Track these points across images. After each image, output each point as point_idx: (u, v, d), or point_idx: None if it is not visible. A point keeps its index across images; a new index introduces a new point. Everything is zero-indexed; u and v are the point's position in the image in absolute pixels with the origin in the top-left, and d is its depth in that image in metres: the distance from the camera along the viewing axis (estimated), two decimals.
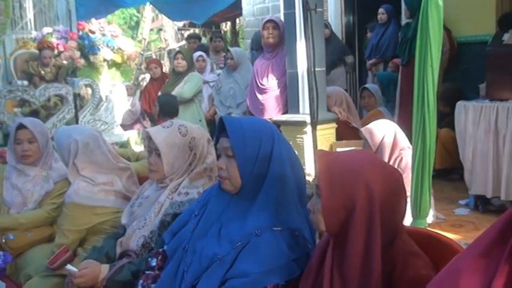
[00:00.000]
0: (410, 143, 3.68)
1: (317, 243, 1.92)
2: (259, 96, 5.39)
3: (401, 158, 3.89)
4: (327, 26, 7.47)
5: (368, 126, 4.06)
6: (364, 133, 4.01)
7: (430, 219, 4.00)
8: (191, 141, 2.58)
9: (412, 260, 1.67)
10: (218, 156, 2.11)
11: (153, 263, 2.27)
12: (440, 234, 2.09)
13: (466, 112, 4.53)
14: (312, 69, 4.11)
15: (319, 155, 1.76)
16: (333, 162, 1.70)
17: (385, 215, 1.65)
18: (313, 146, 4.17)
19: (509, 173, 4.27)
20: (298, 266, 1.89)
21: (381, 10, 7.51)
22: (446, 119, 5.32)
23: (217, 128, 2.09)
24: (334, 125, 5.06)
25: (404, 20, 6.99)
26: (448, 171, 5.47)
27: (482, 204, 4.57)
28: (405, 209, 1.76)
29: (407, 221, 3.68)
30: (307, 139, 4.64)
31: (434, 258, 1.73)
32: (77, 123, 5.85)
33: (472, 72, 5.45)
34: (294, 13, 4.87)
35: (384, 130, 3.95)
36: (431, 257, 1.73)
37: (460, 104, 4.59)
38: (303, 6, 4.12)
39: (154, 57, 14.60)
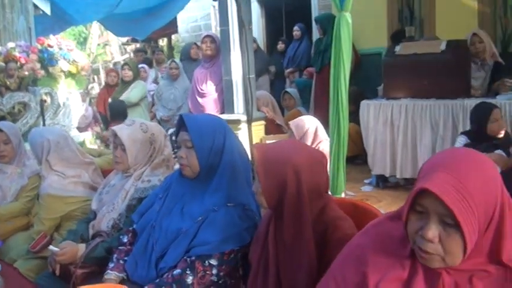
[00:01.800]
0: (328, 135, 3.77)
1: (262, 216, 1.96)
2: (199, 99, 5.38)
3: (319, 148, 4.02)
4: (254, 40, 7.57)
5: (295, 120, 4.16)
6: (292, 126, 4.13)
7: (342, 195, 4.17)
8: (151, 136, 2.56)
9: (339, 223, 1.73)
10: (178, 148, 2.11)
11: (125, 239, 2.25)
12: (362, 202, 2.19)
13: (369, 109, 4.66)
14: (248, 76, 4.18)
15: (255, 146, 1.80)
16: (266, 152, 1.75)
17: (311, 189, 1.71)
18: (249, 139, 4.25)
19: (402, 156, 4.45)
20: (248, 234, 1.94)
21: (295, 28, 7.61)
22: (352, 116, 5.33)
23: (177, 124, 2.11)
24: (263, 122, 5.12)
25: (315, 36, 7.13)
26: (354, 158, 5.56)
27: (382, 181, 4.74)
28: (328, 183, 1.83)
29: None
30: (242, 134, 4.71)
31: (357, 221, 1.78)
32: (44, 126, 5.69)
33: (371, 77, 5.64)
34: (228, 29, 4.89)
35: (308, 123, 4.09)
36: (355, 220, 1.79)
37: (363, 103, 4.73)
38: (238, 24, 4.19)
39: (100, 68, 14.23)
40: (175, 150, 2.25)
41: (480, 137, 3.68)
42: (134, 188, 2.53)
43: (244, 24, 4.10)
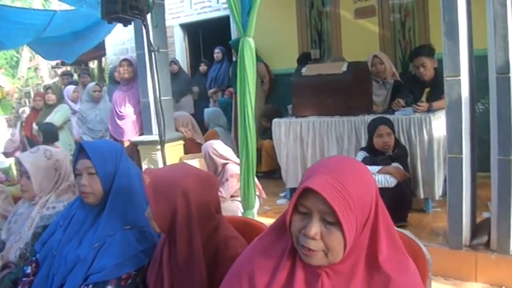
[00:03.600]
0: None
1: (159, 240, 1.92)
2: (118, 121, 5.28)
3: (226, 169, 4.05)
4: (176, 62, 7.55)
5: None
6: (202, 148, 4.18)
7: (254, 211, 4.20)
8: (56, 163, 2.50)
9: (231, 242, 1.74)
10: (76, 175, 2.04)
11: (28, 270, 2.14)
12: (253, 219, 2.20)
13: (280, 126, 4.69)
14: (159, 98, 4.13)
15: (145, 172, 1.76)
16: (155, 177, 1.72)
17: (202, 210, 1.70)
18: (163, 160, 4.21)
19: None
20: (146, 256, 1.90)
21: (216, 50, 7.67)
22: (268, 132, 5.38)
23: (76, 151, 2.05)
24: (182, 142, 5.07)
25: (235, 57, 7.21)
26: (271, 172, 5.65)
27: None
28: (218, 203, 1.82)
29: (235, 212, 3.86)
30: (160, 155, 4.66)
31: (250, 238, 1.74)
32: None
33: (285, 96, 5.73)
34: (144, 53, 4.81)
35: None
36: (248, 237, 1.78)
37: (275, 121, 4.76)
38: (147, 47, 4.15)
39: (32, 92, 13.75)
40: None
41: (373, 150, 3.81)
42: (39, 215, 2.46)
43: (153, 47, 4.05)
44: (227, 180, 3.94)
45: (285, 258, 1.26)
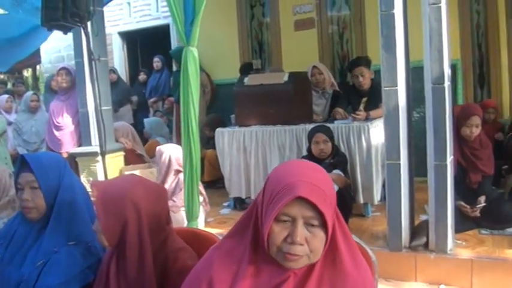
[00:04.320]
0: None
1: (105, 254, 1.86)
2: (56, 133, 5.08)
3: (179, 178, 4.01)
4: (115, 71, 7.40)
5: (159, 147, 4.21)
6: (156, 153, 4.10)
7: (203, 222, 4.13)
8: None
9: (180, 254, 1.70)
10: (18, 190, 1.94)
11: None
12: (202, 230, 2.15)
13: (223, 136, 4.68)
14: (100, 108, 4.04)
15: (92, 184, 1.72)
16: (104, 189, 1.68)
17: (152, 222, 1.67)
18: (104, 172, 4.11)
19: (255, 178, 4.54)
20: (92, 272, 1.84)
21: (156, 59, 7.59)
22: (211, 142, 5.42)
23: (17, 165, 1.95)
24: (122, 153, 4.95)
25: (175, 67, 7.16)
26: (214, 182, 5.61)
27: (239, 203, 4.78)
28: (168, 214, 1.78)
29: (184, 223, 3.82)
30: (99, 166, 4.52)
31: (198, 249, 1.75)
32: None
33: (227, 106, 5.75)
34: (83, 61, 4.68)
35: (162, 153, 4.08)
36: (196, 249, 1.76)
37: (218, 131, 4.75)
38: (88, 56, 4.05)
39: None
40: None
41: (314, 158, 3.90)
42: None
43: (93, 56, 3.96)
44: (181, 189, 3.89)
45: (245, 265, 1.26)
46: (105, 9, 4.96)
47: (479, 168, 3.78)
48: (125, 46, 8.65)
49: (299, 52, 6.06)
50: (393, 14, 3.17)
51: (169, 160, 4.02)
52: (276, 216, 1.18)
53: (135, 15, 8.23)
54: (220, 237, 1.85)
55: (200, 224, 3.93)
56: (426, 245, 3.27)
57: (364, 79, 4.61)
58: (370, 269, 1.46)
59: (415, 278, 3.23)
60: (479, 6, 5.43)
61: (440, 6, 3.06)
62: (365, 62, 4.65)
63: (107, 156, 4.28)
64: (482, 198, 3.67)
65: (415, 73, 3.46)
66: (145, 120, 6.72)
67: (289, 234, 1.18)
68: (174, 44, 7.47)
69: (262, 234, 1.22)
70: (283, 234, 1.19)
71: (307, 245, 1.19)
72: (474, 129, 3.68)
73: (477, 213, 3.60)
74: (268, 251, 1.22)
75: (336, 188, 3.72)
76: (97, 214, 1.65)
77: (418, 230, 3.40)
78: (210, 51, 6.39)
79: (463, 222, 3.58)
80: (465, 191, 3.68)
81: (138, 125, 6.63)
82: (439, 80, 3.09)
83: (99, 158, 4.32)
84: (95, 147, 4.65)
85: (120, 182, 1.75)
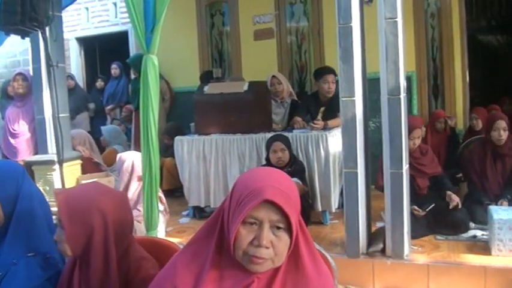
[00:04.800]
0: None
1: (65, 265, 1.82)
2: (12, 140, 4.94)
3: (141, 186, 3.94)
4: (72, 77, 7.26)
5: (121, 154, 4.14)
6: (118, 161, 4.04)
7: (163, 232, 4.10)
8: None
9: (142, 263, 1.69)
10: None
11: None
12: (163, 239, 2.17)
13: (183, 144, 4.67)
14: (57, 115, 3.95)
15: (56, 192, 1.68)
16: (69, 198, 1.65)
17: (117, 231, 1.65)
18: (61, 181, 4.02)
19: (215, 187, 4.55)
20: (50, 284, 1.78)
21: (113, 66, 7.50)
22: (170, 150, 5.35)
23: None
24: (79, 161, 4.84)
25: (133, 74, 7.06)
26: (173, 191, 5.56)
27: (198, 212, 4.76)
28: (132, 223, 1.77)
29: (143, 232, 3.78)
30: (56, 175, 4.41)
31: (159, 258, 1.76)
32: None
33: (187, 114, 5.73)
34: (40, 67, 4.56)
35: (124, 160, 4.03)
36: (158, 258, 1.76)
37: (177, 139, 4.73)
38: (46, 62, 3.96)
39: None
40: None
41: (272, 167, 3.94)
42: None
43: (52, 61, 3.87)
44: None
45: (209, 269, 1.27)
46: (63, 14, 4.87)
47: (426, 173, 3.95)
48: (83, 52, 8.51)
49: (258, 61, 6.13)
50: (351, 26, 3.27)
51: (132, 166, 3.97)
52: (243, 219, 1.21)
53: (93, 21, 8.12)
54: (181, 246, 1.85)
55: (160, 233, 3.89)
56: (383, 251, 3.36)
57: (332, 86, 4.71)
58: (331, 274, 1.50)
59: (373, 283, 3.31)
60: (434, 21, 5.69)
61: (396, 21, 3.18)
62: (332, 70, 4.76)
63: (64, 165, 4.18)
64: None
65: (371, 84, 3.57)
66: (102, 128, 6.61)
67: (256, 237, 1.21)
68: (133, 50, 7.40)
69: (228, 238, 1.24)
70: (249, 237, 1.22)
71: (272, 248, 1.22)
72: (416, 141, 3.89)
73: (421, 213, 3.73)
74: (233, 255, 1.24)
75: None
76: (62, 223, 1.61)
77: (375, 237, 3.49)
78: (170, 59, 6.37)
79: (419, 229, 3.71)
80: (416, 197, 3.81)
81: (95, 133, 6.52)
82: (394, 92, 3.20)
83: (56, 166, 4.22)
84: (51, 155, 4.54)
85: (85, 190, 1.73)
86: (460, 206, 3.78)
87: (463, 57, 5.62)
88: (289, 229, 1.22)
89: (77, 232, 1.61)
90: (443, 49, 5.66)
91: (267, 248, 1.21)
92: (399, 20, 3.19)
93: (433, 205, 3.79)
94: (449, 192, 3.87)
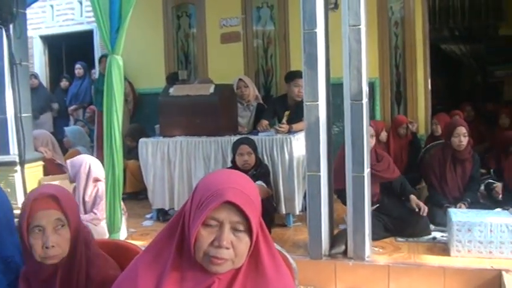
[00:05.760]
0: None
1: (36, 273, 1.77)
2: None
3: (98, 188, 3.91)
4: (36, 76, 7.13)
5: (70, 159, 4.04)
6: (68, 165, 3.97)
7: (125, 233, 4.08)
8: None
9: (101, 264, 1.70)
10: None
11: None
12: (125, 241, 2.16)
13: (147, 147, 4.64)
14: (20, 114, 3.88)
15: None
16: (68, 199, 1.71)
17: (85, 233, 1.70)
18: (23, 182, 3.94)
19: (180, 190, 4.54)
20: None
21: (77, 66, 7.41)
22: (133, 152, 5.35)
23: None
24: (42, 162, 4.74)
25: (97, 74, 6.97)
26: (137, 193, 5.52)
27: (162, 215, 4.74)
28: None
29: (105, 235, 3.74)
30: (18, 177, 4.33)
31: (120, 260, 1.77)
32: None
33: (151, 116, 5.72)
34: (3, 65, 4.40)
35: (81, 162, 3.98)
36: (119, 261, 1.77)
37: (142, 141, 4.70)
38: (9, 60, 3.89)
39: None
40: None
41: (237, 169, 3.98)
42: None
43: (15, 59, 3.80)
44: (101, 199, 3.82)
45: (170, 271, 1.28)
46: (27, 11, 4.78)
47: (383, 177, 4.03)
48: (47, 50, 8.35)
49: (225, 64, 6.15)
50: (315, 32, 3.34)
51: (89, 169, 3.93)
52: (204, 220, 1.23)
53: (58, 19, 7.99)
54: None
55: (122, 236, 3.87)
56: (345, 253, 3.44)
57: (303, 90, 4.76)
58: (291, 275, 1.54)
59: (335, 284, 3.38)
60: (397, 29, 5.86)
61: (359, 28, 3.27)
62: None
63: (26, 166, 4.12)
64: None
65: (335, 89, 3.65)
66: (66, 128, 6.49)
67: (216, 238, 1.23)
68: (98, 50, 7.32)
69: (189, 239, 1.25)
70: (210, 238, 1.24)
71: (232, 249, 1.24)
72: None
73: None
74: (194, 257, 1.26)
75: None
76: (70, 224, 1.64)
77: (337, 239, 3.56)
78: (135, 60, 6.33)
79: (380, 231, 3.81)
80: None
81: (58, 134, 6.41)
82: (357, 97, 3.29)
83: (18, 167, 4.13)
84: (13, 156, 4.43)
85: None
86: (425, 213, 3.89)
87: (425, 65, 5.80)
88: (249, 230, 1.25)
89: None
90: (406, 57, 5.83)
91: (227, 248, 1.23)
92: (362, 27, 3.28)
93: (376, 205, 3.90)
94: (413, 197, 4.00)
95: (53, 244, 1.60)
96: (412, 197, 4.00)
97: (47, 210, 1.62)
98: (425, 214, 3.88)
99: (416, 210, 3.89)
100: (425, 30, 5.81)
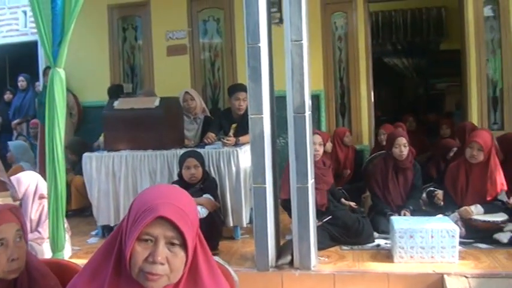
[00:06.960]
0: None
1: None
2: None
3: (44, 206, 3.79)
4: None
5: (17, 175, 3.89)
6: (13, 181, 3.84)
7: (69, 252, 3.98)
8: None
9: (44, 282, 1.71)
10: None
11: None
12: (67, 261, 2.18)
13: (91, 161, 4.55)
14: None
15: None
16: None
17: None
18: None
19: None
20: None
21: (20, 78, 7.23)
22: (77, 167, 5.23)
23: None
24: None
25: (41, 86, 6.78)
26: (82, 210, 5.40)
27: (107, 231, 4.62)
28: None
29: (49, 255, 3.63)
30: None
31: (62, 280, 1.76)
32: None
33: (96, 129, 5.62)
34: None
35: (29, 180, 3.86)
36: (61, 280, 1.76)
37: (85, 156, 4.60)
38: None
39: None
40: None
41: (184, 183, 3.98)
42: None
43: None
44: (46, 218, 3.69)
45: None
46: None
47: (328, 182, 4.22)
48: None
49: (171, 77, 6.16)
50: (259, 47, 3.40)
51: (36, 187, 3.82)
52: (138, 236, 1.23)
53: (2, 29, 7.77)
54: None
55: (67, 255, 3.77)
56: (291, 263, 3.50)
57: (243, 103, 4.82)
58: None
59: None
60: (341, 43, 6.09)
61: (302, 43, 3.36)
62: (245, 88, 4.86)
63: None
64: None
65: (279, 102, 3.72)
66: (9, 143, 6.27)
67: (151, 254, 1.24)
68: (42, 62, 7.14)
69: (125, 255, 1.26)
70: (144, 254, 1.24)
71: (167, 264, 1.25)
72: (317, 147, 4.17)
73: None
74: (130, 273, 1.26)
75: (205, 212, 3.84)
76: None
77: (283, 249, 3.62)
78: (79, 73, 6.24)
79: (325, 240, 3.90)
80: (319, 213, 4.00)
81: (1, 149, 6.21)
82: (300, 110, 3.37)
83: None
84: None
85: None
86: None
87: (368, 78, 6.02)
88: (185, 245, 1.26)
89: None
90: (349, 70, 6.05)
91: (162, 264, 1.24)
92: (305, 42, 3.37)
93: (329, 217, 4.01)
94: (343, 200, 4.32)
95: (17, 256, 1.64)
96: (343, 200, 4.31)
97: (9, 223, 1.65)
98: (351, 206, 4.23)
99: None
100: (368, 45, 6.05)
